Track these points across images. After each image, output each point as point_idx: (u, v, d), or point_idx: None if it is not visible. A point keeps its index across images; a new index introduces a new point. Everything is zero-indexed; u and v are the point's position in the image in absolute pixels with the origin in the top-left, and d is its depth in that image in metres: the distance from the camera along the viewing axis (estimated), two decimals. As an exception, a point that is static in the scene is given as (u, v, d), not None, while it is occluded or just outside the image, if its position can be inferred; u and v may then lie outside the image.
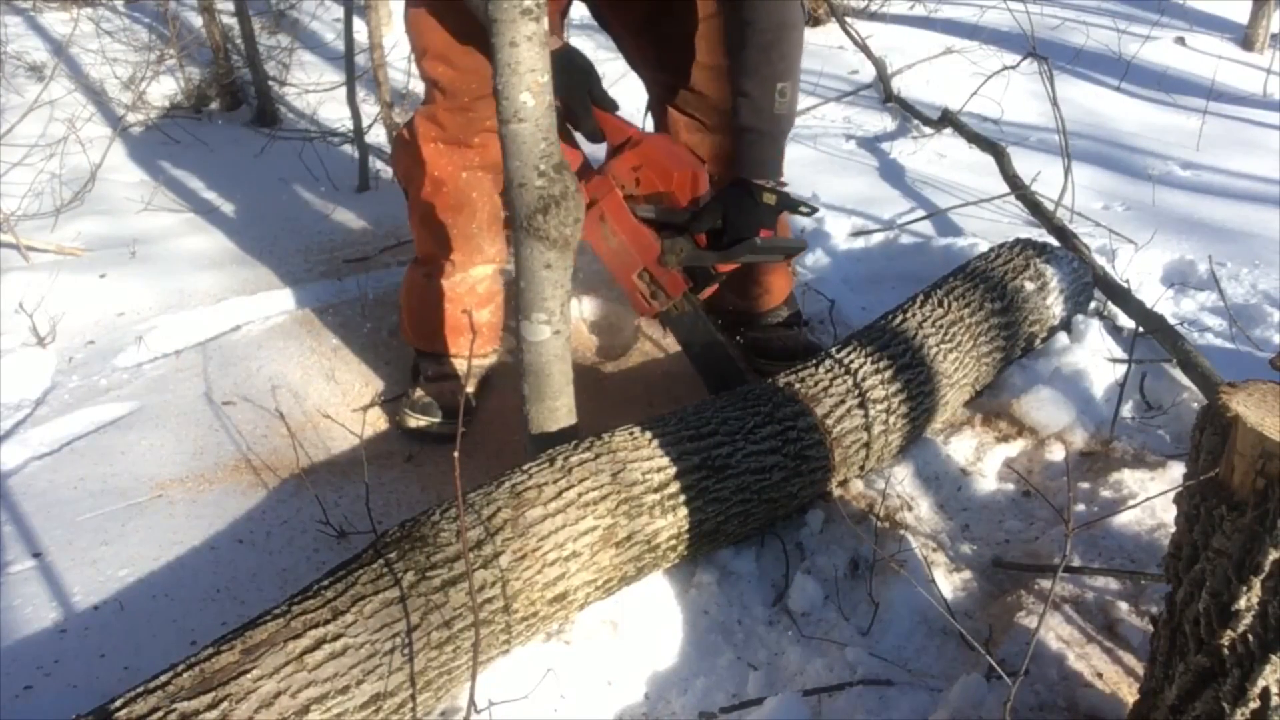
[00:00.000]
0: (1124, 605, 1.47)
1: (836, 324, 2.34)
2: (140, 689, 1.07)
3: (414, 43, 1.87)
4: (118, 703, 1.05)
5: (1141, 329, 2.09)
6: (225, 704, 1.05)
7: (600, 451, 1.42)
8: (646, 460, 1.44)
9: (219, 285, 2.60)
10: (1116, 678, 1.36)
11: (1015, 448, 1.86)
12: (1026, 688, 1.33)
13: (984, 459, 1.83)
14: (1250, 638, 0.97)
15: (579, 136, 1.80)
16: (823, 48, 4.33)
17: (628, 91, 2.15)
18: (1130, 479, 1.71)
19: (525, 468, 1.38)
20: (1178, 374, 1.99)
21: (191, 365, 2.23)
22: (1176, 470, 1.72)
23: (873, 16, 4.80)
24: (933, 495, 1.76)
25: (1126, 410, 1.92)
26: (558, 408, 1.51)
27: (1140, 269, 2.47)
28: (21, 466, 1.90)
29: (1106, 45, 4.25)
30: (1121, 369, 1.97)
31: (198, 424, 2.03)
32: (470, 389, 2.08)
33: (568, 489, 1.35)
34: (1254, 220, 2.80)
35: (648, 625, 1.46)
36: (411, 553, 1.23)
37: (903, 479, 1.77)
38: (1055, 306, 2.06)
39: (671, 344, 2.25)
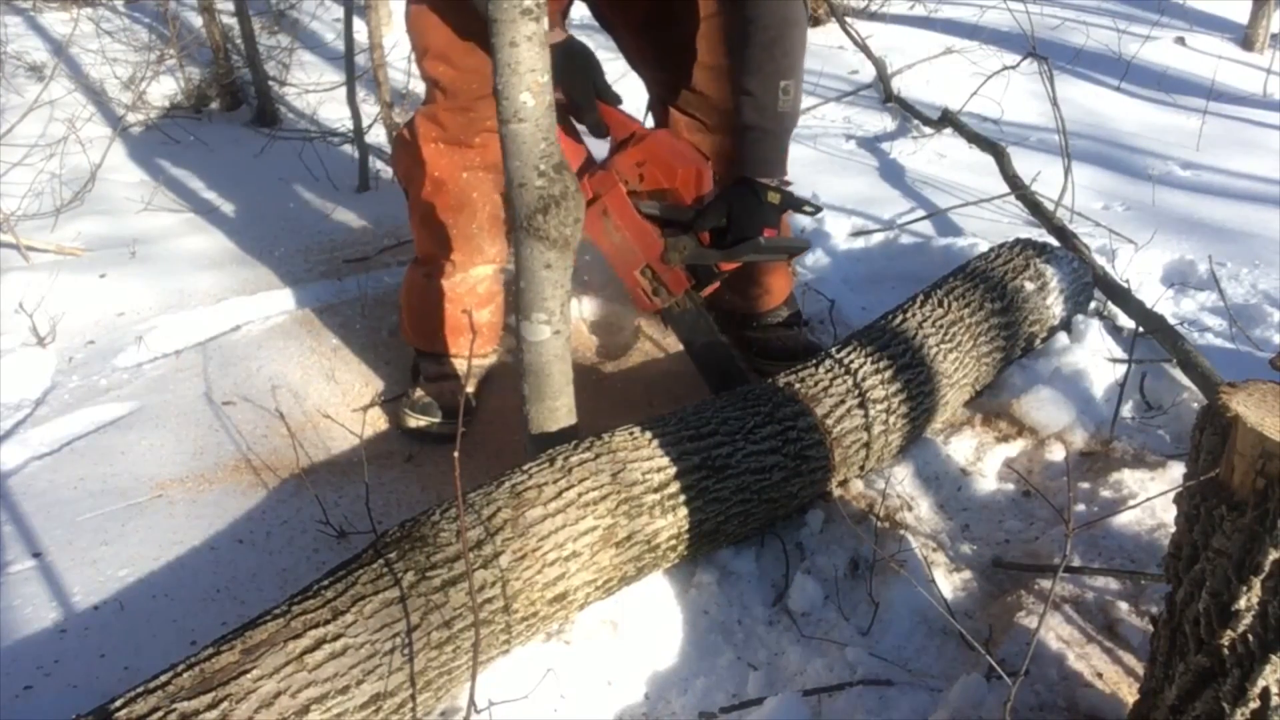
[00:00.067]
0: (1124, 605, 1.47)
1: (836, 324, 2.34)
2: (140, 689, 1.07)
3: (415, 42, 1.87)
4: (118, 703, 1.05)
5: (1141, 329, 2.09)
6: (225, 704, 1.05)
7: (600, 451, 1.42)
8: (646, 460, 1.44)
9: (219, 285, 2.60)
10: (1116, 678, 1.36)
11: (1015, 448, 1.86)
12: (1026, 688, 1.33)
13: (984, 459, 1.83)
14: (1250, 638, 0.97)
15: (582, 131, 1.80)
16: (823, 48, 4.33)
17: (628, 91, 2.15)
18: (1130, 479, 1.71)
19: (525, 468, 1.38)
20: (1178, 374, 1.99)
21: (191, 365, 2.23)
22: (1176, 470, 1.72)
23: (873, 16, 4.80)
24: (933, 495, 1.76)
25: (1126, 410, 1.92)
26: (558, 408, 1.51)
27: (1140, 269, 2.47)
28: (21, 466, 1.90)
29: (1106, 45, 4.25)
30: (1121, 369, 1.97)
31: (198, 424, 2.03)
32: (470, 389, 2.08)
33: (568, 489, 1.35)
34: (1254, 220, 2.80)
35: (648, 625, 1.46)
36: (411, 553, 1.23)
37: (903, 479, 1.77)
38: (1055, 306, 2.06)
39: (672, 344, 2.26)
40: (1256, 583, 0.95)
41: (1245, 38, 4.39)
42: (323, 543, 1.71)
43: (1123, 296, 2.22)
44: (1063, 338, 2.08)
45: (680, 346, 2.02)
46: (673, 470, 1.45)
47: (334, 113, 3.97)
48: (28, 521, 1.74)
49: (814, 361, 1.73)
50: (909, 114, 3.68)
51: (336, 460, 1.96)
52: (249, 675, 1.07)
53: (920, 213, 2.90)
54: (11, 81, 4.03)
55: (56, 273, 2.55)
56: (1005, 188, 2.92)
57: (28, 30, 4.74)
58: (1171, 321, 2.13)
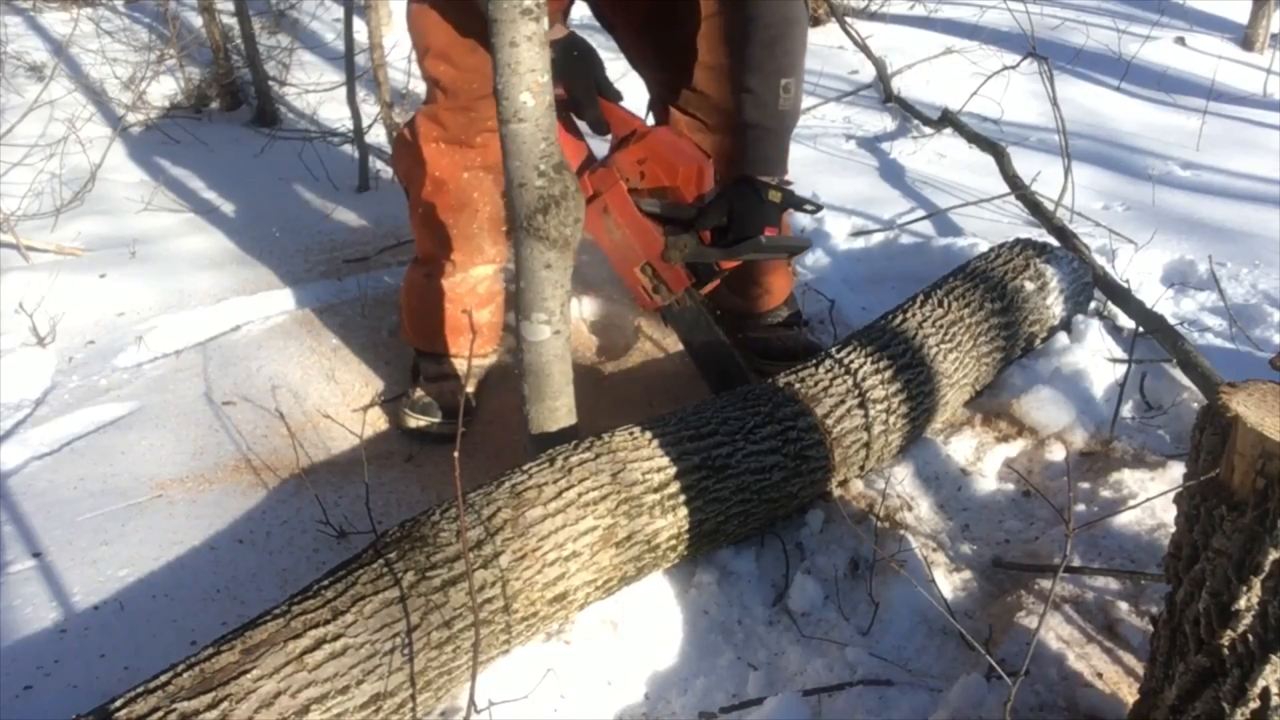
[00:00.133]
0: (1124, 605, 1.47)
1: (836, 324, 2.34)
2: (140, 689, 1.07)
3: (416, 41, 1.87)
4: (118, 703, 1.05)
5: (1141, 329, 2.10)
6: (225, 704, 1.05)
7: (600, 451, 1.42)
8: (646, 460, 1.44)
9: (219, 285, 2.60)
10: (1116, 678, 1.36)
11: (1015, 448, 1.86)
12: (1026, 688, 1.33)
13: (984, 459, 1.83)
14: (1250, 638, 0.97)
15: (583, 129, 1.79)
16: (823, 48, 4.33)
17: (628, 91, 2.15)
18: (1130, 479, 1.71)
19: (525, 468, 1.38)
20: (1178, 374, 1.99)
21: (191, 365, 2.23)
22: (1176, 470, 1.72)
23: (873, 16, 4.80)
24: (933, 495, 1.76)
25: (1126, 410, 1.92)
26: (558, 408, 1.51)
27: (1140, 269, 2.47)
28: (21, 466, 1.90)
29: (1106, 45, 4.25)
30: (1121, 369, 1.97)
31: (198, 424, 2.03)
32: (470, 389, 2.08)
33: (568, 489, 1.35)
34: (1254, 220, 2.80)
35: (648, 625, 1.46)
36: (411, 553, 1.23)
37: (903, 479, 1.77)
38: (1055, 306, 2.06)
39: (672, 344, 2.26)
40: (1256, 583, 0.95)
41: (1245, 38, 4.39)
42: (323, 543, 1.71)
43: (1123, 296, 2.22)
44: (1063, 338, 2.08)
45: (680, 346, 2.03)
46: (673, 470, 1.45)
47: (334, 113, 3.97)
48: (28, 521, 1.74)
49: (814, 361, 1.73)
50: (909, 114, 3.68)
51: (336, 460, 1.96)
52: (249, 675, 1.07)
53: (920, 213, 2.90)
54: (11, 81, 4.03)
55: (56, 273, 2.55)
56: (1005, 188, 2.92)
57: (28, 30, 4.75)
58: (1171, 321, 2.13)
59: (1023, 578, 1.55)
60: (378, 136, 3.56)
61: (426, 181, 1.94)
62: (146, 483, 1.85)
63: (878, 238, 2.77)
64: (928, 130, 3.52)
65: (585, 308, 2.44)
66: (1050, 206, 2.75)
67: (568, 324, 1.46)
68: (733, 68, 1.76)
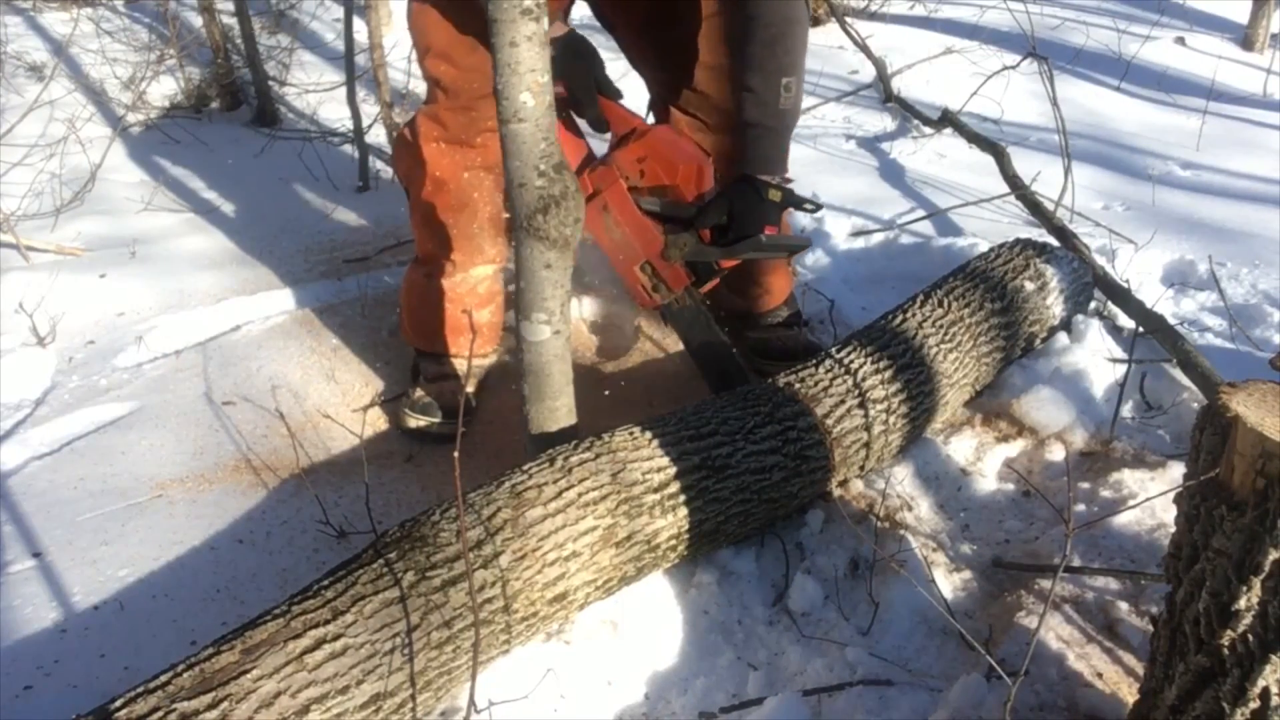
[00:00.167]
0: (1124, 605, 1.47)
1: (836, 324, 2.34)
2: (140, 689, 1.07)
3: (416, 41, 1.87)
4: (118, 703, 1.05)
5: (1141, 329, 2.09)
6: (225, 704, 1.05)
7: (600, 451, 1.42)
8: (646, 460, 1.44)
9: (219, 285, 2.60)
10: (1116, 678, 1.36)
11: (1015, 448, 1.86)
12: (1026, 688, 1.33)
13: (984, 459, 1.83)
14: (1250, 638, 0.97)
15: (583, 126, 1.79)
16: (823, 48, 4.33)
17: (629, 91, 2.15)
18: (1130, 479, 1.71)
19: (525, 468, 1.38)
20: (1178, 374, 1.99)
21: (191, 365, 2.23)
22: (1176, 470, 1.72)
23: (873, 16, 4.80)
24: (933, 495, 1.76)
25: (1126, 410, 1.92)
26: (558, 408, 1.51)
27: (1140, 269, 2.47)
28: (21, 466, 1.90)
29: (1106, 45, 4.25)
30: (1121, 369, 1.97)
31: (198, 424, 2.03)
32: (470, 389, 2.08)
33: (568, 489, 1.35)
34: (1254, 220, 2.80)
35: (648, 625, 1.46)
36: (411, 553, 1.23)
37: (903, 479, 1.77)
38: (1055, 306, 2.06)
39: (672, 344, 2.26)
40: (1256, 583, 0.95)
41: (1245, 38, 4.39)
42: (323, 543, 1.71)
43: (1123, 296, 2.22)
44: (1063, 338, 2.08)
45: (680, 346, 2.02)
46: (673, 470, 1.45)
47: (334, 113, 3.97)
48: (28, 521, 1.74)
49: (814, 361, 1.73)
50: (909, 114, 3.68)
51: (336, 460, 1.96)
52: (249, 675, 1.07)
53: (920, 213, 2.90)
54: (11, 81, 4.03)
55: (56, 273, 2.55)
56: (1005, 188, 2.92)
57: (28, 30, 4.75)
58: (1171, 321, 2.13)
59: (1023, 578, 1.55)
60: (378, 136, 3.56)
61: (427, 181, 1.94)
62: (146, 483, 1.85)
63: (878, 238, 2.77)
64: (928, 130, 3.52)
65: (585, 308, 2.44)
66: (1050, 206, 2.75)
67: (568, 324, 1.46)
68: (733, 67, 1.76)
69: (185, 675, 1.08)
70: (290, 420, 1.98)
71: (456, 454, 1.09)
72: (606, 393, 2.11)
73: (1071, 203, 2.82)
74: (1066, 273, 2.10)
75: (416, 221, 2.02)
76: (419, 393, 2.01)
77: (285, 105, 4.14)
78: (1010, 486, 1.78)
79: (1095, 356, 2.01)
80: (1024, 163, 3.04)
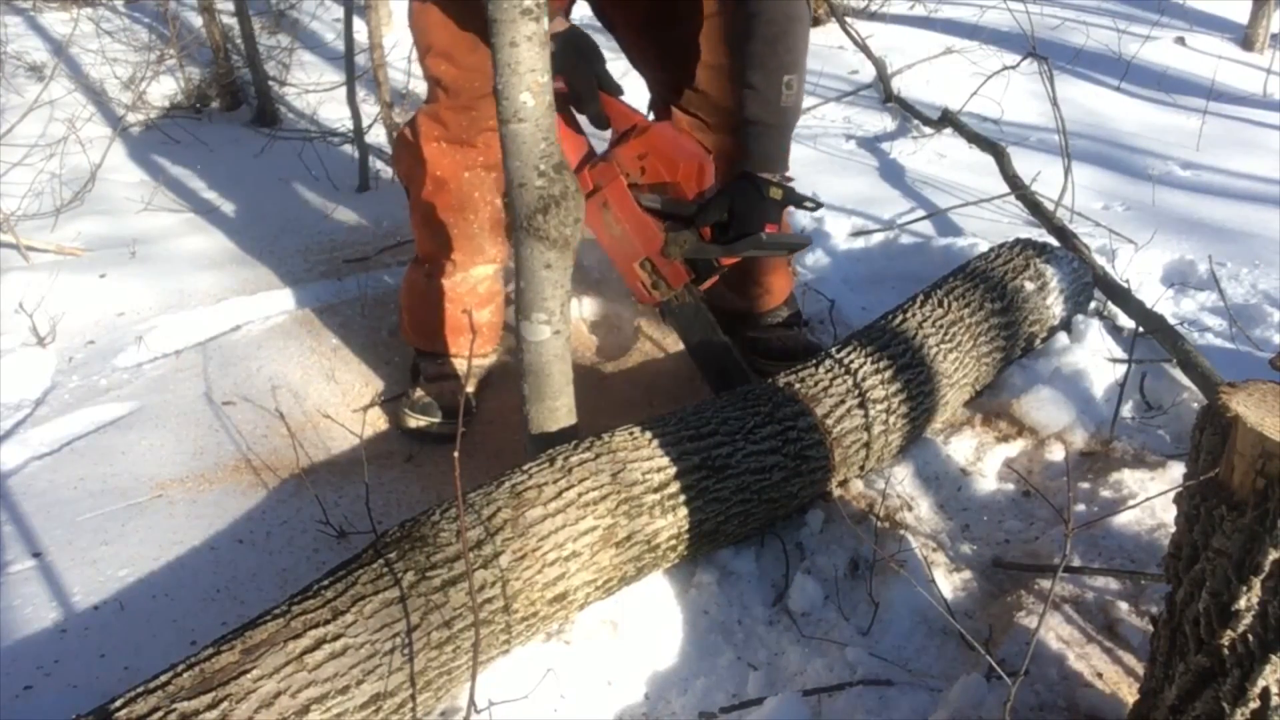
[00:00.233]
0: (1124, 605, 1.47)
1: (836, 324, 2.34)
2: (140, 689, 1.07)
3: (417, 40, 1.87)
4: (118, 703, 1.05)
5: (1141, 329, 2.09)
6: (225, 704, 1.05)
7: (600, 451, 1.42)
8: (646, 460, 1.44)
9: (219, 285, 2.60)
10: (1116, 678, 1.36)
11: (1015, 448, 1.86)
12: (1026, 688, 1.33)
13: (984, 459, 1.83)
14: (1250, 638, 0.97)
15: (584, 123, 1.79)
16: (823, 48, 4.32)
17: (629, 91, 2.15)
18: (1130, 479, 1.71)
19: (525, 468, 1.38)
20: (1178, 374, 1.99)
21: (191, 365, 2.23)
22: (1176, 470, 1.72)
23: (873, 16, 4.80)
24: (933, 495, 1.76)
25: (1126, 410, 1.92)
26: (558, 408, 1.51)
27: (1140, 269, 2.47)
28: (21, 466, 1.90)
29: (1106, 45, 4.25)
30: (1121, 369, 1.97)
31: (198, 424, 2.03)
32: (470, 389, 2.08)
33: (568, 489, 1.35)
34: (1254, 220, 2.80)
35: (648, 625, 1.46)
36: (411, 553, 1.23)
37: (903, 479, 1.77)
38: (1055, 306, 2.06)
39: (672, 344, 2.26)
40: (1256, 583, 0.95)
41: (1245, 38, 4.39)
42: (323, 543, 1.71)
43: (1123, 296, 2.22)
44: (1063, 338, 2.08)
45: (680, 346, 2.02)
46: (673, 470, 1.45)
47: (334, 113, 3.97)
48: (28, 521, 1.74)
49: (814, 361, 1.73)
50: (909, 114, 3.68)
51: (336, 460, 1.96)
52: (249, 675, 1.07)
53: (920, 213, 2.90)
54: (11, 81, 4.03)
55: (56, 273, 2.55)
56: (1005, 188, 2.92)
57: (28, 30, 4.75)
58: (1171, 321, 2.13)
59: (1023, 578, 1.55)
60: (378, 136, 3.56)
61: (427, 181, 1.94)
62: (146, 483, 1.85)
63: (878, 238, 2.77)
64: (928, 130, 3.52)
65: (585, 308, 2.44)
66: (1050, 206, 2.75)
67: (568, 324, 1.46)
68: (735, 65, 1.76)
69: (185, 675, 1.08)
70: (290, 420, 1.98)
71: (456, 454, 1.09)
72: (602, 393, 2.11)
73: (1071, 203, 2.82)
74: (1066, 273, 2.10)
75: (417, 221, 2.02)
76: (419, 393, 2.01)
77: (285, 105, 4.14)
78: (1010, 486, 1.78)
79: (1095, 356, 2.01)
80: (1024, 163, 3.03)
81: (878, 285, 2.52)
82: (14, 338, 2.29)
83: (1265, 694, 0.97)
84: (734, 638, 1.47)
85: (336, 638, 1.13)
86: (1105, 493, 1.70)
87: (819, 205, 1.80)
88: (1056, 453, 1.83)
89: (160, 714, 1.03)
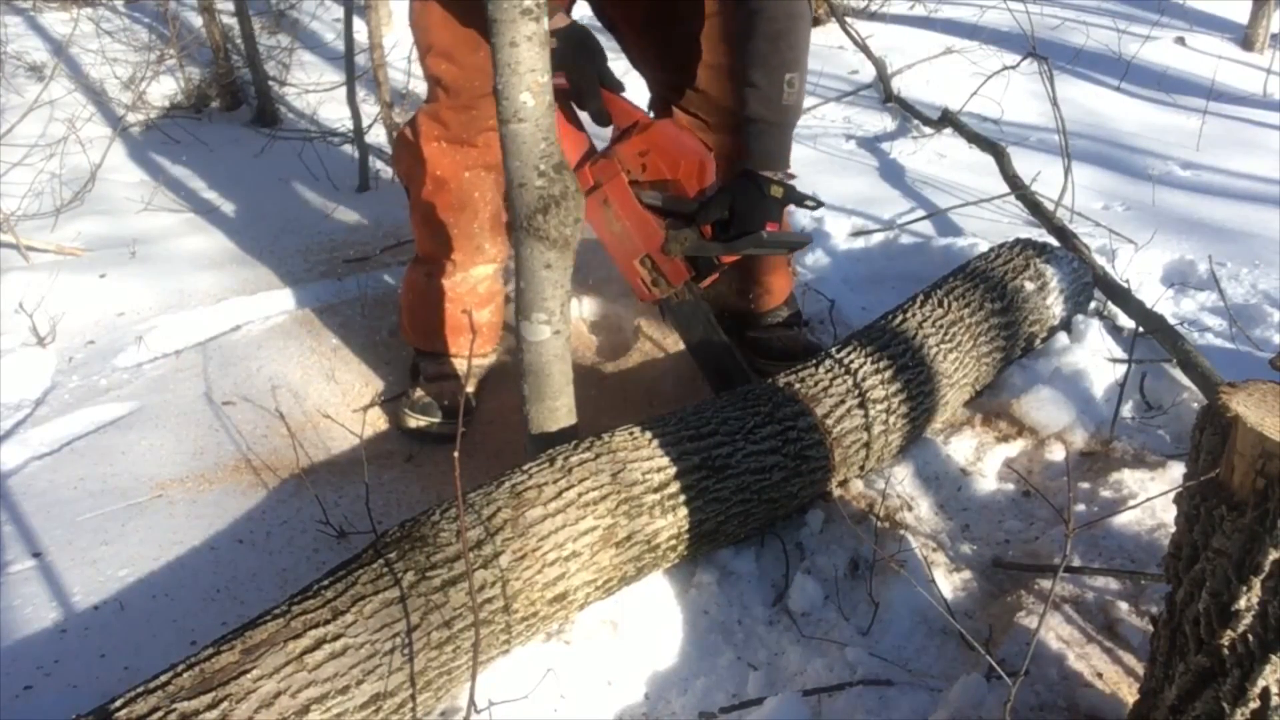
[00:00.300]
0: (1124, 605, 1.47)
1: (836, 324, 2.34)
2: (140, 689, 1.07)
3: (418, 39, 1.87)
4: (118, 703, 1.05)
5: (1141, 329, 2.09)
6: (225, 704, 1.05)
7: (600, 451, 1.42)
8: (646, 460, 1.44)
9: (219, 285, 2.60)
10: (1116, 678, 1.36)
11: (1015, 448, 1.86)
12: (1026, 688, 1.33)
13: (984, 459, 1.83)
14: (1250, 638, 0.97)
15: (584, 118, 1.79)
16: (823, 48, 4.32)
17: (629, 91, 2.15)
18: (1130, 479, 1.71)
19: (525, 468, 1.38)
20: (1178, 374, 1.99)
21: (191, 365, 2.23)
22: (1176, 470, 1.72)
23: (873, 16, 4.80)
24: (933, 495, 1.76)
25: (1126, 410, 1.92)
26: (558, 408, 1.51)
27: (1140, 269, 2.47)
28: (21, 466, 1.90)
29: (1106, 45, 4.25)
30: (1121, 369, 1.97)
31: (198, 424, 2.03)
32: (470, 389, 2.08)
33: (568, 489, 1.35)
34: (1254, 220, 2.80)
35: (648, 625, 1.46)
36: (411, 553, 1.23)
37: (903, 479, 1.77)
38: (1055, 306, 2.06)
39: (672, 344, 2.26)
40: (1256, 583, 0.95)
41: (1245, 38, 4.39)
42: (323, 543, 1.71)
43: (1123, 296, 2.22)
44: (1063, 338, 2.08)
45: (680, 346, 2.02)
46: (673, 470, 1.45)
47: (334, 113, 3.97)
48: (28, 521, 1.74)
49: (814, 361, 1.73)
50: (909, 114, 3.68)
51: (336, 460, 1.96)
52: (249, 675, 1.07)
53: (920, 213, 2.90)
54: (11, 81, 4.03)
55: (56, 273, 2.55)
56: (1005, 188, 2.92)
57: (28, 30, 4.74)
58: (1171, 321, 2.13)
59: (1023, 578, 1.55)
60: (378, 136, 3.56)
61: (427, 180, 1.94)
62: (146, 483, 1.85)
63: (878, 238, 2.77)
64: (928, 130, 3.52)
65: (585, 308, 2.44)
66: (1050, 206, 2.75)
67: (568, 324, 1.46)
68: (736, 63, 1.76)
69: (185, 675, 1.08)
70: (290, 420, 1.98)
71: (456, 454, 1.09)
72: (595, 392, 2.11)
73: (1071, 203, 2.82)
74: (1066, 273, 2.10)
75: (417, 221, 2.01)
76: (419, 393, 2.01)
77: (285, 105, 4.14)
78: (1010, 486, 1.78)
79: (1095, 356, 2.01)
80: (1024, 163, 3.04)
81: (878, 285, 2.52)
82: (14, 338, 2.29)
83: (1265, 694, 0.97)
84: (734, 638, 1.47)
85: (336, 638, 1.13)
86: (1105, 493, 1.70)
87: (819, 204, 1.80)
88: (1056, 453, 1.83)
89: (160, 714, 1.03)
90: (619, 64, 2.07)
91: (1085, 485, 1.74)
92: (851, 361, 1.72)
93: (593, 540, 1.35)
